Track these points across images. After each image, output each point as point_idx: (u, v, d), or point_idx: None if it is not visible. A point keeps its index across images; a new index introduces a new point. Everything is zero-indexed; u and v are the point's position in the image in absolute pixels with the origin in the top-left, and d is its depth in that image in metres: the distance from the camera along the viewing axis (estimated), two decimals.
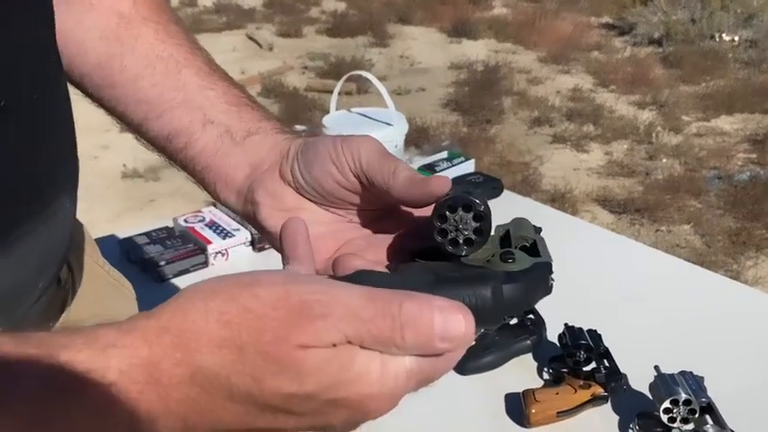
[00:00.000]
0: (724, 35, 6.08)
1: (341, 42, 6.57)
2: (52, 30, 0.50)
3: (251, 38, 6.71)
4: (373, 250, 0.46)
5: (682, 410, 0.81)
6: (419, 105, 4.80)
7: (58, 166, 0.51)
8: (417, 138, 4.17)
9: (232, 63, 5.74)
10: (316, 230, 0.45)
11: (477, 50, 6.15)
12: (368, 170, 0.44)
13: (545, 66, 5.82)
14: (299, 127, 1.43)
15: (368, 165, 0.44)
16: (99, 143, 3.73)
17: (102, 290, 0.64)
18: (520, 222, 0.49)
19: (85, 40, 0.54)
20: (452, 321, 0.32)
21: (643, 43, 6.31)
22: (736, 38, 6.05)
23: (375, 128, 1.43)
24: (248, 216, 0.50)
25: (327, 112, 1.52)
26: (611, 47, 6.36)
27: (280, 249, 0.44)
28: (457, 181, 1.49)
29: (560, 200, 3.38)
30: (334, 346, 0.30)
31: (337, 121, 1.48)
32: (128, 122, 0.55)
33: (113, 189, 3.46)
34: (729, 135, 4.29)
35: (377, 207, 0.47)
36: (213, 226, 1.29)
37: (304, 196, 0.47)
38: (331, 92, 1.58)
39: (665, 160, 3.91)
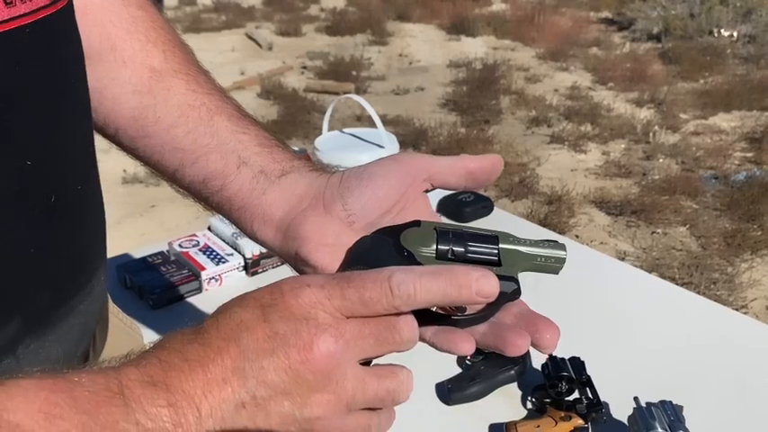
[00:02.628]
0: (723, 30, 6.08)
1: (340, 41, 6.58)
2: (91, 119, 0.54)
3: (250, 37, 6.72)
4: None
5: None
6: (418, 105, 4.82)
7: (94, 246, 0.55)
8: (416, 139, 4.19)
9: (231, 63, 5.76)
10: None
11: (476, 48, 6.16)
12: (436, 162, 0.49)
13: (543, 63, 5.82)
14: (294, 148, 1.44)
15: (432, 160, 0.49)
16: (99, 148, 3.74)
17: (118, 337, 0.68)
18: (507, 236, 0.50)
19: (120, 95, 0.57)
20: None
21: (642, 39, 6.31)
22: (735, 33, 6.04)
23: (366, 150, 1.45)
24: (288, 253, 0.51)
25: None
26: (610, 42, 6.36)
27: None
28: (448, 200, 1.52)
29: (557, 202, 3.40)
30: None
31: (329, 142, 1.50)
32: (163, 170, 0.58)
33: (113, 194, 3.49)
34: (727, 133, 4.29)
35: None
36: (207, 251, 1.32)
37: (351, 226, 0.49)
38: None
39: (662, 160, 3.92)
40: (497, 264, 0.46)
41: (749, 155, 3.98)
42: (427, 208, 0.51)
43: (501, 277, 0.44)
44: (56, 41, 0.47)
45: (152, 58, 0.58)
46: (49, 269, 0.47)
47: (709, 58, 5.58)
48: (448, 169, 0.49)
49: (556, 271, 0.48)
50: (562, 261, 0.48)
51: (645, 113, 4.62)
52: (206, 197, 0.55)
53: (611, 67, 5.51)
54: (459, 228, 0.47)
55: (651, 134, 4.20)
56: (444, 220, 1.47)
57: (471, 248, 0.46)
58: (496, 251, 0.46)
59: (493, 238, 0.47)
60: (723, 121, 4.50)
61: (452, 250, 0.45)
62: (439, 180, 0.50)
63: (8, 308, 0.44)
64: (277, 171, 0.53)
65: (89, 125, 0.54)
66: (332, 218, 0.49)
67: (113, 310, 0.69)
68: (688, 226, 3.23)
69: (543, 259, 0.48)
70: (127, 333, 0.72)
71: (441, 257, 0.45)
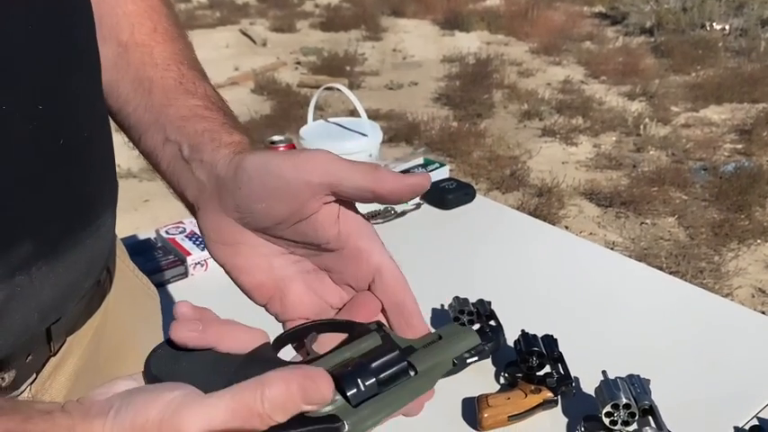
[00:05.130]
0: (715, 24, 6.10)
1: (334, 37, 6.59)
2: (100, 77, 0.57)
3: (244, 33, 6.73)
4: (307, 289, 0.49)
5: (622, 414, 0.87)
6: (411, 100, 4.85)
7: (102, 189, 0.59)
8: (408, 133, 4.22)
9: (226, 60, 5.77)
10: (255, 263, 0.48)
11: (470, 43, 6.18)
12: (345, 177, 0.43)
13: (536, 57, 5.85)
14: (276, 138, 1.47)
15: (342, 172, 0.43)
16: None
17: (131, 289, 0.72)
18: (457, 334, 0.45)
19: (102, 71, 0.59)
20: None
21: (635, 33, 6.34)
22: (727, 27, 6.07)
23: (350, 138, 1.48)
24: None
25: (318, 107, 1.58)
26: (603, 36, 6.39)
27: (235, 283, 0.48)
28: (431, 188, 1.54)
29: (547, 194, 3.43)
30: None
31: (314, 131, 1.53)
32: (133, 144, 0.59)
33: None
34: (717, 125, 4.33)
35: (319, 242, 0.47)
36: (193, 237, 1.35)
37: (247, 227, 0.47)
38: (323, 88, 1.63)
39: (652, 152, 3.95)
40: (412, 371, 0.42)
41: (739, 146, 4.01)
42: (330, 218, 0.46)
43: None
44: None
45: (121, 32, 0.59)
46: (57, 203, 0.52)
47: (701, 51, 5.61)
48: (354, 189, 0.44)
49: (478, 354, 0.46)
50: (478, 347, 0.45)
51: (636, 106, 4.65)
52: (156, 171, 0.55)
53: (603, 61, 5.54)
54: (344, 358, 0.41)
55: (642, 127, 4.23)
56: (426, 206, 1.49)
57: (381, 377, 0.40)
58: (404, 362, 0.41)
59: (394, 352, 0.41)
60: (714, 113, 4.53)
61: (364, 388, 0.39)
62: (343, 196, 0.45)
63: (21, 231, 0.49)
64: (187, 149, 0.51)
65: (98, 79, 0.56)
66: (226, 217, 0.47)
67: (130, 266, 0.73)
68: (677, 216, 3.26)
69: (458, 357, 0.44)
70: (144, 292, 0.76)
71: (360, 403, 0.39)
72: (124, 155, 0.64)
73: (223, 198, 0.47)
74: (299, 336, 0.45)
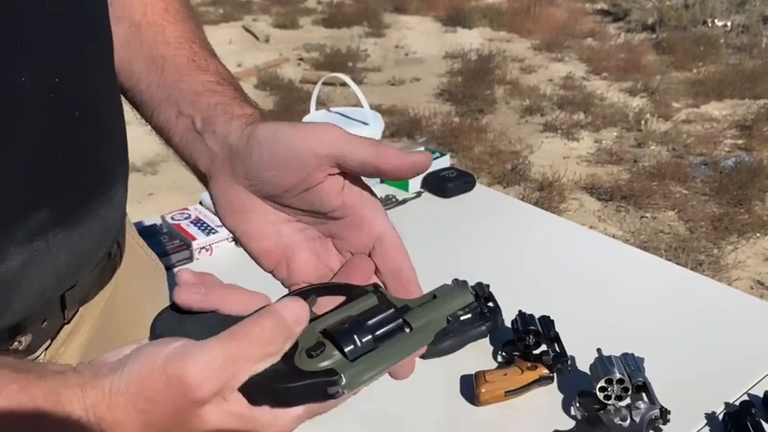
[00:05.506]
0: (717, 20, 6.11)
1: (336, 33, 6.61)
2: (112, 54, 0.59)
3: (247, 30, 6.76)
4: (312, 256, 0.51)
5: (616, 389, 0.89)
6: (413, 95, 4.87)
7: (114, 161, 0.61)
8: (410, 128, 4.24)
9: (229, 56, 5.79)
10: (263, 230, 0.50)
11: (472, 39, 6.20)
12: (349, 150, 0.45)
13: (538, 54, 5.86)
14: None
15: (347, 146, 0.45)
16: None
17: (140, 265, 0.75)
18: (451, 293, 0.47)
19: (115, 50, 0.62)
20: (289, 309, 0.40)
21: (637, 29, 6.35)
22: (729, 23, 6.08)
23: (351, 127, 1.50)
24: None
25: (320, 103, 1.61)
26: (604, 33, 6.40)
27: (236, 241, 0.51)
28: (432, 177, 1.57)
29: (548, 188, 3.46)
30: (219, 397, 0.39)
31: (316, 120, 1.55)
32: (146, 121, 0.62)
33: None
34: (718, 121, 4.34)
35: (324, 210, 0.49)
36: (198, 223, 1.38)
37: (256, 195, 0.49)
38: (325, 83, 1.66)
39: (653, 147, 3.97)
40: (408, 328, 0.44)
41: (739, 142, 4.03)
42: (335, 188, 0.48)
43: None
44: None
45: (134, 12, 0.63)
46: (73, 173, 0.54)
47: (703, 47, 5.62)
48: (357, 163, 0.46)
49: (469, 312, 0.48)
50: (471, 305, 0.47)
51: (637, 102, 4.67)
52: (168, 146, 0.58)
53: (605, 58, 5.55)
54: (343, 316, 0.43)
55: (643, 122, 4.25)
56: (427, 194, 1.52)
57: (377, 333, 0.42)
58: (400, 319, 0.43)
59: (390, 311, 0.44)
60: (715, 109, 4.55)
61: (360, 343, 0.41)
62: (347, 169, 0.47)
63: (39, 198, 0.52)
64: (199, 121, 0.53)
65: (110, 55, 0.59)
66: (237, 185, 0.50)
67: (140, 242, 0.76)
68: (677, 210, 3.28)
69: (452, 315, 0.46)
70: (153, 268, 0.79)
71: (356, 358, 0.40)
72: (128, 148, 0.67)
73: (235, 166, 0.49)
74: (300, 298, 0.47)
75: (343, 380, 0.39)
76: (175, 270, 1.36)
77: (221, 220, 0.52)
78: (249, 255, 0.52)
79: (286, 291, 0.51)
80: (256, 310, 0.41)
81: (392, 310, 0.44)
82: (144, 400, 0.39)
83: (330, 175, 0.47)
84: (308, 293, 0.47)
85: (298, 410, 0.40)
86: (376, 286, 0.46)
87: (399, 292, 0.48)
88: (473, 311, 0.48)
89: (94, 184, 0.58)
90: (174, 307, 0.44)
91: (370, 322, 0.42)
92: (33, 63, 0.49)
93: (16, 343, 0.55)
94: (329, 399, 0.39)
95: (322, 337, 0.41)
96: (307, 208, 0.49)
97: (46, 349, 0.60)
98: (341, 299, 0.46)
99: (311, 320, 0.43)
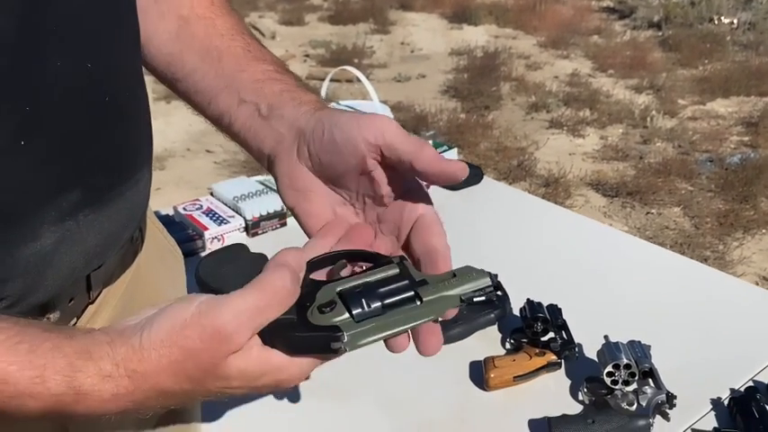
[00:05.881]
0: (723, 18, 6.11)
1: (343, 30, 6.62)
2: (139, 45, 0.62)
3: (253, 26, 6.77)
4: (357, 237, 0.55)
5: (623, 374, 0.91)
6: (419, 92, 4.88)
7: (141, 145, 0.64)
8: (416, 125, 4.25)
9: None
10: (320, 209, 0.55)
11: (478, 36, 6.20)
12: (392, 144, 0.49)
13: (544, 51, 5.87)
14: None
15: (392, 139, 0.49)
16: None
17: (160, 249, 0.77)
18: (469, 274, 0.49)
19: (160, 45, 0.65)
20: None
21: (643, 26, 6.35)
22: (735, 20, 6.07)
23: None
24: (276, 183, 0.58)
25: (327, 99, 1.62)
26: (610, 31, 6.40)
27: (295, 217, 0.55)
28: None
29: (554, 184, 3.47)
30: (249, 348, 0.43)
31: None
32: (196, 109, 0.65)
33: None
34: (724, 118, 4.34)
35: (378, 197, 0.54)
36: (210, 213, 1.40)
37: (317, 176, 0.54)
38: (331, 80, 1.67)
39: (658, 144, 3.98)
40: (418, 300, 0.46)
41: (745, 139, 4.03)
42: (386, 177, 0.52)
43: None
44: None
45: (181, 8, 0.66)
46: (103, 156, 0.57)
47: (709, 45, 5.62)
48: (397, 157, 0.49)
49: (487, 296, 0.49)
50: (488, 289, 0.48)
51: (643, 99, 4.67)
52: (224, 132, 0.63)
53: (611, 55, 5.55)
54: (360, 282, 0.46)
55: (649, 119, 4.25)
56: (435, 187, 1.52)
57: (387, 301, 0.45)
58: (412, 291, 0.46)
59: (404, 281, 0.46)
60: (721, 106, 4.55)
61: (367, 307, 0.44)
62: (388, 161, 0.50)
63: (71, 179, 0.54)
64: (265, 107, 0.58)
65: (137, 42, 0.62)
66: (301, 165, 0.55)
67: (159, 227, 0.79)
68: (682, 207, 3.29)
69: (466, 295, 0.48)
70: (171, 252, 0.81)
71: (361, 320, 0.44)
72: None
73: (300, 148, 0.54)
74: (329, 261, 0.50)
75: (345, 337, 0.42)
76: (187, 260, 1.36)
77: (282, 198, 0.57)
78: (303, 230, 0.57)
79: None
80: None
81: (407, 281, 0.46)
82: (179, 350, 0.41)
83: (381, 163, 0.51)
84: (339, 257, 0.50)
85: (307, 360, 0.44)
86: (402, 257, 0.49)
87: (432, 271, 0.51)
88: (488, 296, 0.49)
89: (122, 168, 0.60)
90: (220, 253, 0.48)
91: (382, 290, 0.45)
92: (67, 49, 0.51)
93: (45, 319, 0.58)
94: (331, 353, 0.42)
95: (337, 297, 0.45)
96: (361, 191, 0.54)
97: None
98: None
99: (334, 281, 0.46)
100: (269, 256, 0.48)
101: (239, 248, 1.17)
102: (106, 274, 0.64)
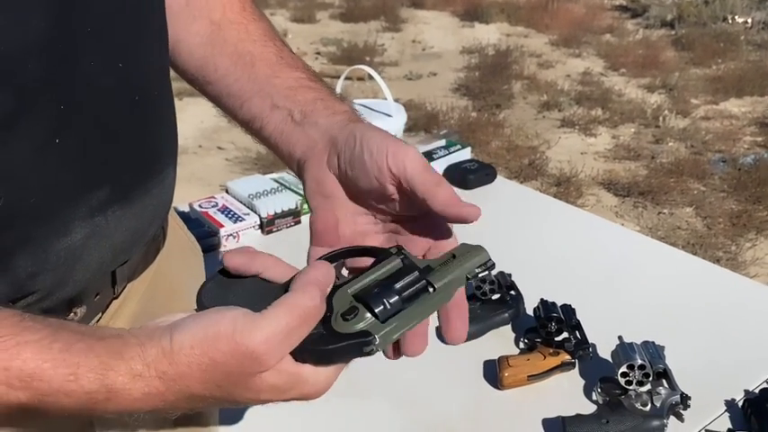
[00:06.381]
0: (737, 17, 6.06)
1: (354, 27, 6.63)
2: (167, 45, 0.64)
3: None
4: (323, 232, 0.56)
5: (637, 374, 0.91)
6: (430, 90, 4.87)
7: (167, 143, 0.65)
8: (427, 123, 4.25)
9: None
10: (343, 217, 0.56)
11: (489, 34, 6.19)
12: (412, 179, 0.50)
13: (556, 49, 5.85)
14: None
15: (412, 174, 0.50)
16: None
17: (181, 246, 0.79)
18: (469, 252, 0.51)
19: (191, 47, 0.67)
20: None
21: (656, 26, 6.31)
22: (749, 20, 6.02)
23: (375, 119, 1.53)
24: (304, 186, 0.60)
25: None
26: (623, 29, 6.37)
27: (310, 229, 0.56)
28: (453, 168, 1.59)
29: (566, 183, 3.46)
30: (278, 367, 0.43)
31: None
32: (226, 112, 0.67)
33: None
34: (737, 118, 4.32)
35: (397, 215, 0.55)
36: (225, 211, 1.41)
37: (342, 186, 0.56)
38: (351, 69, 1.68)
39: (671, 143, 3.96)
40: (431, 288, 0.47)
41: (759, 139, 4.00)
42: (408, 201, 0.53)
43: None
44: None
45: (212, 12, 0.67)
46: (131, 154, 0.58)
47: (723, 44, 5.58)
48: (411, 190, 0.51)
49: (489, 269, 0.51)
50: (489, 263, 0.50)
51: (656, 98, 4.65)
52: (254, 135, 0.64)
53: (623, 54, 5.53)
54: (371, 280, 0.47)
55: (661, 118, 4.23)
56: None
57: (404, 294, 0.46)
58: (424, 280, 0.47)
59: (414, 273, 0.48)
60: (734, 106, 4.52)
61: (389, 305, 0.45)
62: (404, 190, 0.51)
63: (102, 176, 0.56)
64: (298, 114, 0.59)
65: (165, 44, 0.63)
66: (329, 173, 0.56)
67: (180, 224, 0.80)
68: (694, 207, 3.28)
69: (471, 273, 0.50)
70: (192, 248, 0.83)
71: (387, 318, 0.45)
72: None
73: (331, 156, 0.55)
74: (330, 261, 0.51)
75: (377, 339, 0.43)
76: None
77: (309, 202, 0.58)
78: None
79: None
80: (291, 279, 0.47)
81: (416, 272, 0.48)
82: (209, 360, 0.42)
83: (400, 190, 0.52)
84: (336, 257, 0.51)
85: (333, 370, 0.46)
86: (399, 248, 0.50)
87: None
88: (490, 269, 0.51)
89: (150, 165, 0.61)
90: (215, 278, 0.48)
91: (397, 285, 0.46)
92: (100, 49, 0.53)
93: (72, 314, 0.59)
94: (365, 356, 0.44)
95: (355, 301, 0.46)
96: (380, 207, 0.55)
97: (96, 322, 0.63)
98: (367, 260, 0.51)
99: (343, 284, 0.47)
100: (279, 256, 0.49)
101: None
102: (130, 270, 0.65)
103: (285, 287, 0.46)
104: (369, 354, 0.44)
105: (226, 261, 0.48)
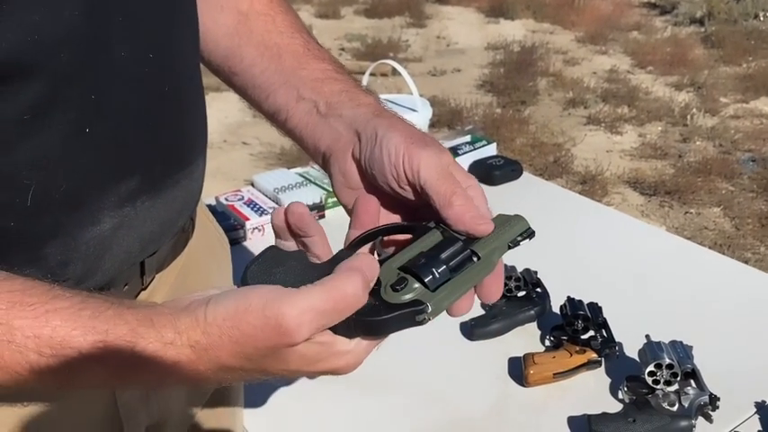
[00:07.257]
0: None
1: (378, 23, 6.62)
2: (198, 36, 0.64)
3: None
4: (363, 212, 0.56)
5: (665, 374, 0.90)
6: (454, 86, 4.85)
7: (197, 135, 0.65)
8: (451, 119, 4.24)
9: None
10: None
11: (515, 31, 6.14)
12: (425, 187, 0.51)
13: (582, 46, 5.79)
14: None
15: (425, 183, 0.51)
16: None
17: (209, 238, 0.79)
18: (508, 222, 0.52)
19: (217, 37, 0.67)
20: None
21: (684, 23, 6.21)
22: None
23: (401, 113, 1.52)
24: (330, 179, 0.60)
25: None
26: (651, 27, 6.28)
27: (349, 215, 0.56)
28: (478, 164, 1.58)
29: (591, 182, 3.43)
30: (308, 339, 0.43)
31: None
32: (251, 104, 0.67)
33: None
34: (767, 117, 4.24)
35: (418, 205, 0.55)
36: (251, 204, 1.42)
37: (365, 178, 0.56)
38: (377, 64, 1.68)
39: (699, 142, 3.90)
40: (476, 257, 0.48)
41: None
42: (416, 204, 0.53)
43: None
44: None
45: (241, 2, 0.67)
46: (161, 145, 0.59)
47: (754, 42, 5.48)
48: (428, 196, 0.51)
49: (530, 237, 0.52)
50: (529, 231, 0.51)
51: (683, 97, 4.58)
52: (279, 127, 0.64)
53: (651, 51, 5.45)
54: (415, 253, 0.48)
55: (689, 117, 4.17)
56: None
57: (451, 264, 0.47)
58: (468, 250, 0.48)
59: (458, 243, 0.48)
60: (765, 104, 4.43)
61: (438, 274, 0.46)
62: (419, 193, 0.52)
63: (132, 166, 0.56)
64: (323, 106, 0.59)
65: (195, 35, 0.64)
66: (354, 165, 0.56)
67: (209, 216, 0.81)
68: (722, 207, 3.22)
69: (513, 241, 0.51)
70: (219, 241, 0.83)
71: (437, 288, 0.45)
72: None
73: (355, 148, 0.55)
74: (368, 240, 0.51)
75: (429, 307, 0.44)
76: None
77: (337, 195, 0.58)
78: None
79: None
80: (332, 259, 0.47)
81: (460, 242, 0.49)
82: (240, 333, 0.42)
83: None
84: (376, 234, 0.52)
85: (364, 345, 0.46)
86: (437, 222, 0.51)
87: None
88: (531, 237, 0.52)
89: (179, 156, 0.62)
90: (263, 255, 0.49)
91: (443, 255, 0.47)
92: (132, 39, 0.53)
93: None
94: (417, 325, 0.44)
95: (402, 273, 0.46)
96: (404, 201, 0.55)
97: None
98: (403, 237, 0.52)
99: (386, 259, 0.48)
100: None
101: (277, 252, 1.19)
102: (159, 261, 0.66)
103: (330, 269, 0.46)
104: (421, 323, 0.44)
105: (291, 207, 0.49)
